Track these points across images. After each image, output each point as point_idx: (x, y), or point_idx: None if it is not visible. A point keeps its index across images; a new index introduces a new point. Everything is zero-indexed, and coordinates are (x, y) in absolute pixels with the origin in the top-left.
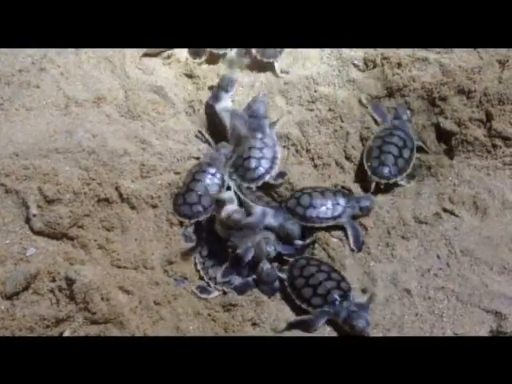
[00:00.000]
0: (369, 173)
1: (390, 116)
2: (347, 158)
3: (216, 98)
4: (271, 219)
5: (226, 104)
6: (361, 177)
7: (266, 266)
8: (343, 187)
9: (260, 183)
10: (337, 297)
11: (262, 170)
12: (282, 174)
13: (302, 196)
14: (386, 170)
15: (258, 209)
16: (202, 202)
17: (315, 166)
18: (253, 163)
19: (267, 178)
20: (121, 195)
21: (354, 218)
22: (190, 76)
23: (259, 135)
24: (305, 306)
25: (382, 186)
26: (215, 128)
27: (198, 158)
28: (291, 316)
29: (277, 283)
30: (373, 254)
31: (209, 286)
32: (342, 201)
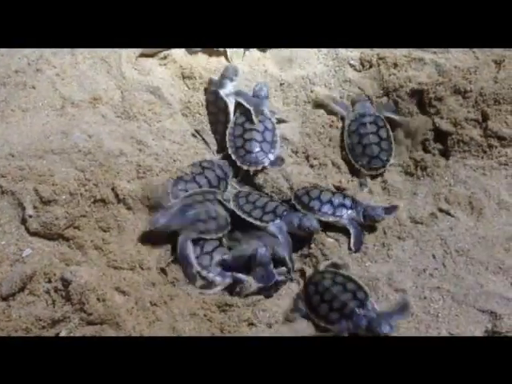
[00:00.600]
0: (364, 171)
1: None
2: (343, 158)
3: (220, 85)
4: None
5: (230, 90)
6: (353, 173)
7: (260, 248)
8: (339, 187)
9: (259, 167)
10: (353, 308)
11: (262, 154)
12: (280, 159)
13: (314, 190)
14: (377, 162)
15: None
16: None
17: (312, 166)
18: (255, 146)
19: (266, 163)
20: (117, 196)
21: (360, 225)
22: (187, 77)
23: (260, 117)
24: (323, 324)
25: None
26: (216, 119)
27: None
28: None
29: (272, 267)
30: (369, 254)
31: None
32: (348, 203)
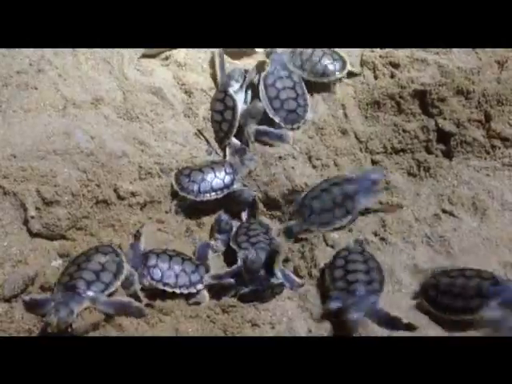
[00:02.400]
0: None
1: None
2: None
3: (228, 84)
4: None
5: (238, 88)
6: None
7: (251, 253)
8: None
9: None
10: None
11: (301, 110)
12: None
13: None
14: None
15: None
16: (201, 185)
17: (314, 166)
18: (293, 104)
19: (308, 117)
20: (119, 197)
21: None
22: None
23: (283, 72)
24: None
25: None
26: (221, 117)
27: None
28: (292, 313)
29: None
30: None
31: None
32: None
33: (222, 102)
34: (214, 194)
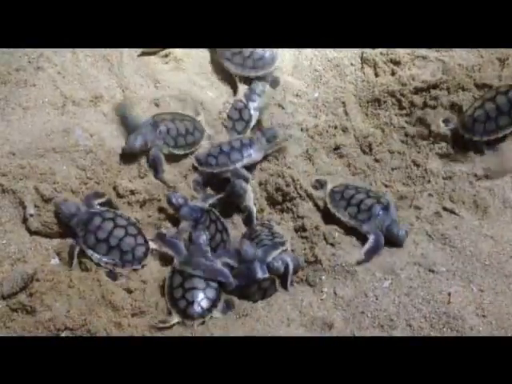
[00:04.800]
0: None
1: None
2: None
3: (250, 98)
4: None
5: (258, 105)
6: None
7: (246, 243)
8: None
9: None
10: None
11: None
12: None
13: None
14: None
15: None
16: (219, 158)
17: (314, 164)
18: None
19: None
20: (119, 194)
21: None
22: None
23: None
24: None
25: None
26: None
27: None
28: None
29: (257, 265)
30: None
31: None
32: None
33: (239, 111)
34: (245, 159)
